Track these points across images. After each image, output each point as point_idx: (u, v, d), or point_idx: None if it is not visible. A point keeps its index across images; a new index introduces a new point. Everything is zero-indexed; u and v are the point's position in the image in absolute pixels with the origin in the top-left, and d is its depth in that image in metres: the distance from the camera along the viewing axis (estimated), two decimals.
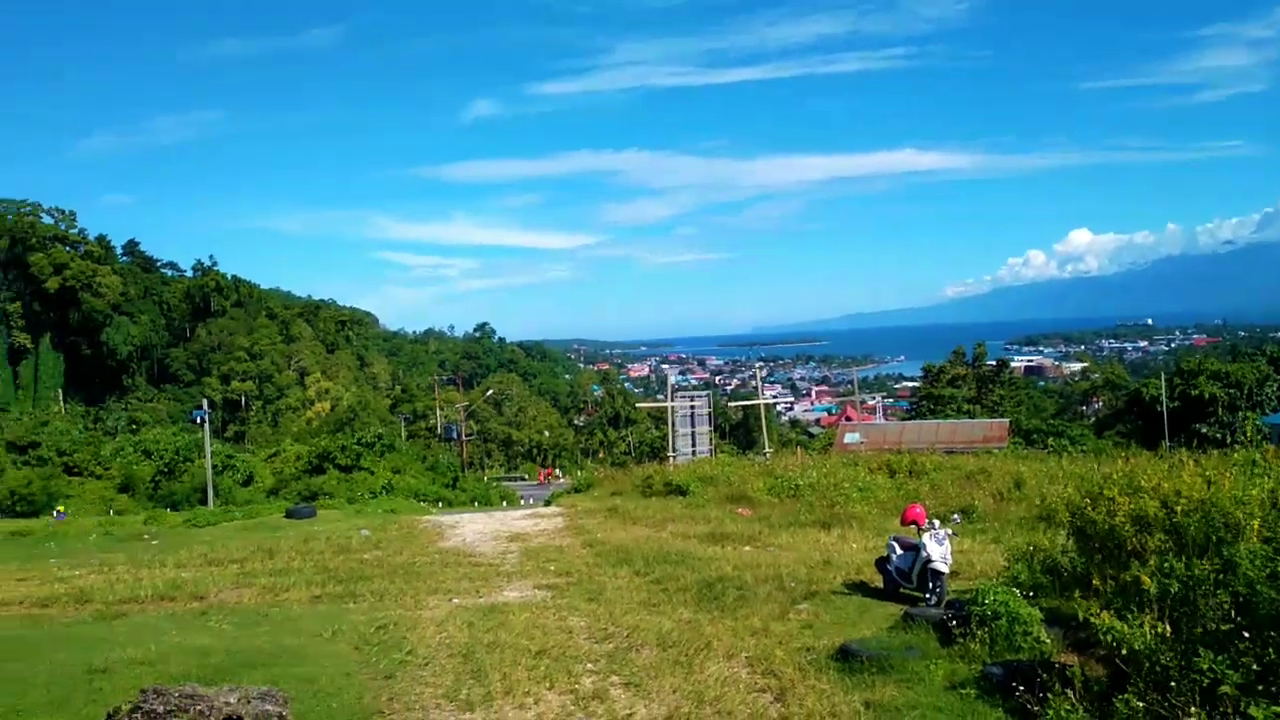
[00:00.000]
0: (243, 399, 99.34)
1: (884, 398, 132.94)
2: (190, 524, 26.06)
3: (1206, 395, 51.95)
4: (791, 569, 13.01)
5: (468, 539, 19.49)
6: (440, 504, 35.37)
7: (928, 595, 10.33)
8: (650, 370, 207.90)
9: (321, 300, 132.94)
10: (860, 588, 11.80)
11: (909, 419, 65.65)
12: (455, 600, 12.64)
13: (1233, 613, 5.70)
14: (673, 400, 42.93)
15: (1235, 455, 12.68)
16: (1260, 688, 5.03)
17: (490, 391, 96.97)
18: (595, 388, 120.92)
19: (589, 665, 8.86)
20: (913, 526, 11.11)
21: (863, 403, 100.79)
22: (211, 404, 60.69)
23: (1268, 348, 67.08)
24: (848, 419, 72.09)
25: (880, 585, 11.50)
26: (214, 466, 37.77)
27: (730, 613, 10.85)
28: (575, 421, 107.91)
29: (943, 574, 10.36)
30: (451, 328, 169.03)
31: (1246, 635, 5.40)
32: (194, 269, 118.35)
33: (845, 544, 15.79)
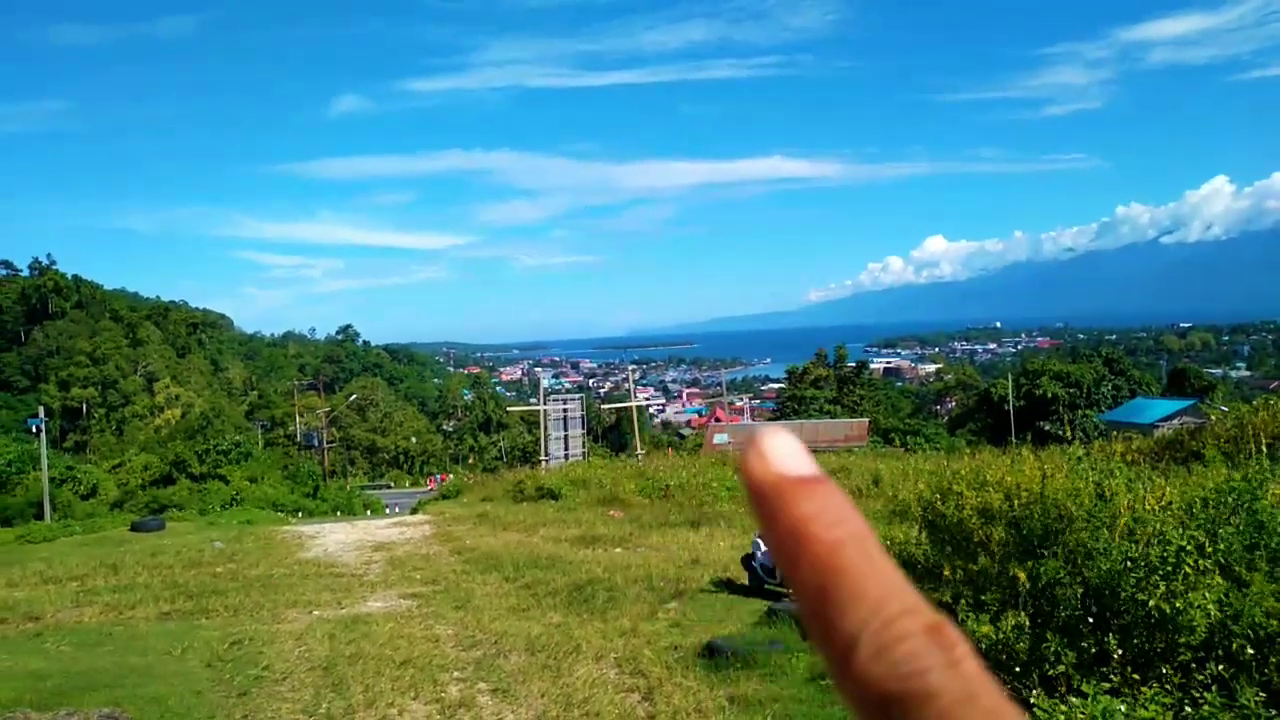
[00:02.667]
0: (84, 406, 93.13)
1: (751, 399, 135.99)
2: (25, 540, 24.22)
3: (1049, 394, 55.45)
4: (661, 569, 13.15)
5: (329, 549, 18.84)
6: (300, 514, 34.08)
7: (791, 590, 10.62)
8: (523, 374, 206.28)
9: (172, 302, 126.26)
10: (727, 585, 12.03)
11: (774, 419, 67.43)
12: (315, 612, 12.18)
13: (1084, 601, 6.07)
14: (545, 404, 42.75)
15: (1069, 450, 13.62)
16: (1095, 668, 5.38)
17: (354, 397, 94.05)
18: (466, 392, 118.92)
19: (455, 673, 8.70)
20: None
21: (731, 404, 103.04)
22: (49, 412, 56.67)
23: (1104, 349, 72.30)
24: (717, 420, 73.48)
25: (746, 582, 11.76)
26: (52, 478, 35.24)
27: (600, 615, 10.87)
28: (444, 427, 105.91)
29: None
30: (313, 330, 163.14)
31: (1090, 621, 5.76)
32: (30, 268, 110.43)
33: (714, 543, 16.07)
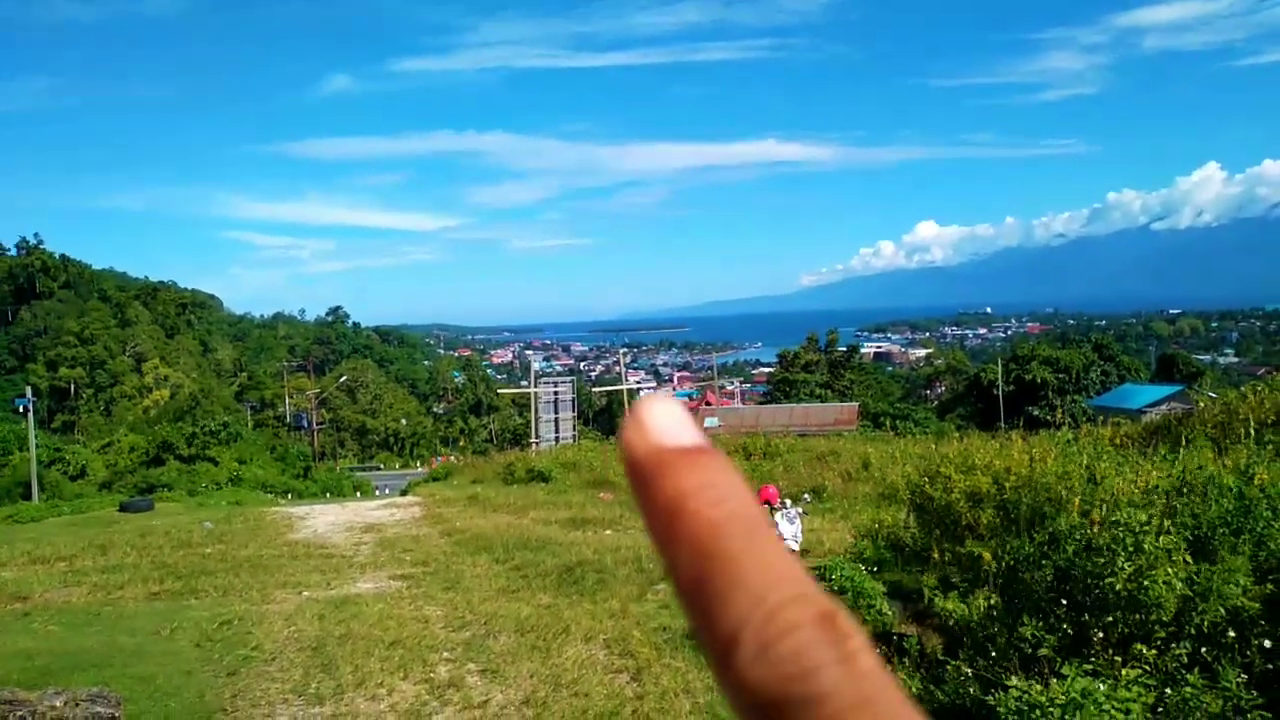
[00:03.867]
0: (72, 387, 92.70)
1: (742, 383, 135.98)
2: (12, 520, 24.17)
3: (1038, 380, 55.64)
4: (650, 551, 13.17)
5: (319, 530, 18.85)
6: (290, 495, 34.09)
7: None
8: (514, 356, 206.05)
9: (160, 282, 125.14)
10: None
11: (765, 403, 67.58)
12: (305, 593, 12.20)
13: (1056, 583, 6.13)
14: (536, 386, 42.71)
15: (1058, 435, 13.68)
16: (1074, 649, 5.44)
17: (343, 378, 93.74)
18: (456, 374, 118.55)
19: (445, 654, 8.74)
20: (766, 506, 11.46)
21: (722, 388, 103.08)
22: (37, 392, 56.36)
23: (1093, 335, 72.63)
24: (707, 404, 73.48)
25: None
26: (40, 459, 35.13)
27: (589, 596, 10.92)
28: (435, 409, 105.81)
29: (794, 551, 10.70)
30: (303, 311, 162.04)
31: (1065, 603, 5.81)
32: (17, 247, 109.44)
33: None
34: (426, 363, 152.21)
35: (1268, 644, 4.81)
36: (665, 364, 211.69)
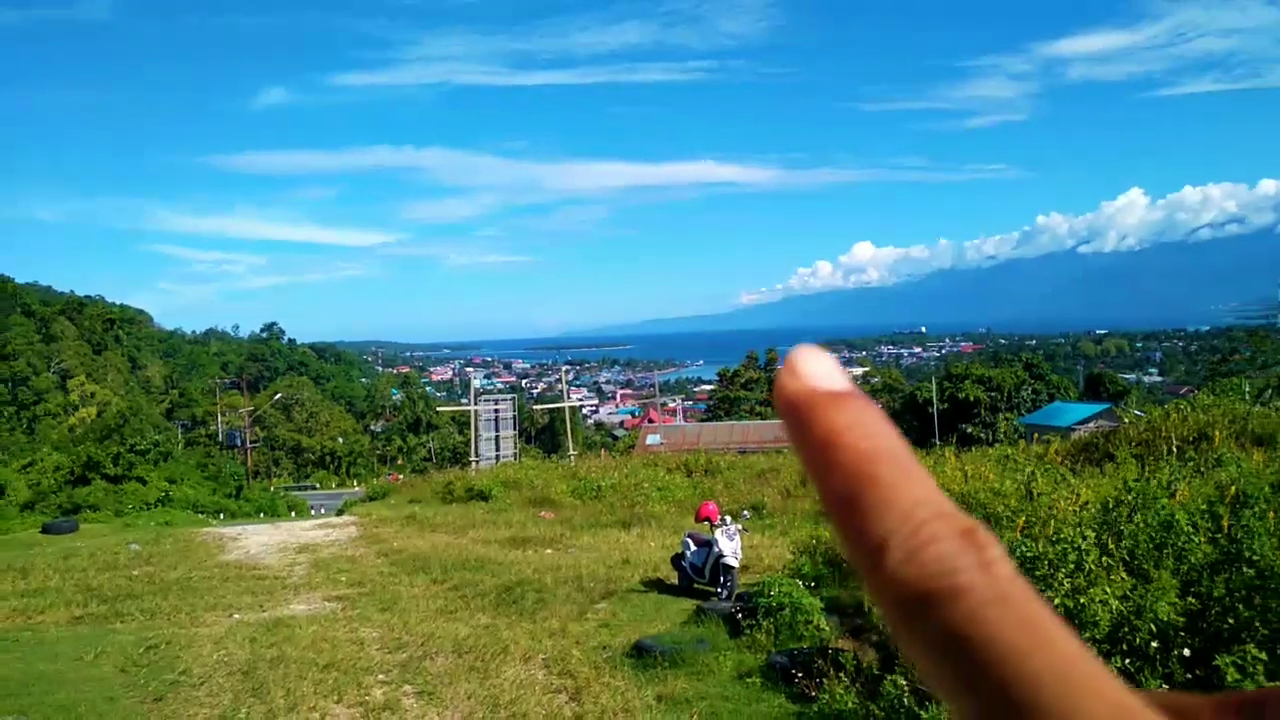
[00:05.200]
0: None
1: (684, 400, 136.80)
2: None
3: (971, 398, 56.78)
4: (591, 569, 13.13)
5: (251, 551, 18.38)
6: (222, 515, 33.19)
7: (719, 589, 10.71)
8: (454, 373, 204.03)
9: (87, 296, 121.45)
10: (657, 585, 12.07)
11: (707, 420, 67.88)
12: (236, 615, 11.87)
13: None
14: (476, 404, 42.23)
15: (990, 452, 14.00)
16: None
17: (278, 396, 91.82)
18: (394, 391, 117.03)
19: (380, 676, 8.56)
20: (706, 523, 11.49)
21: (664, 405, 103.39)
22: None
23: (1024, 354, 74.40)
24: (649, 421, 73.69)
25: (676, 582, 11.81)
26: None
27: (529, 616, 10.81)
28: (372, 427, 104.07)
29: (733, 568, 10.77)
30: (236, 327, 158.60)
31: None
32: None
33: (644, 543, 16.11)
34: (364, 380, 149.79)
35: (1187, 653, 4.96)
36: (608, 381, 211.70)
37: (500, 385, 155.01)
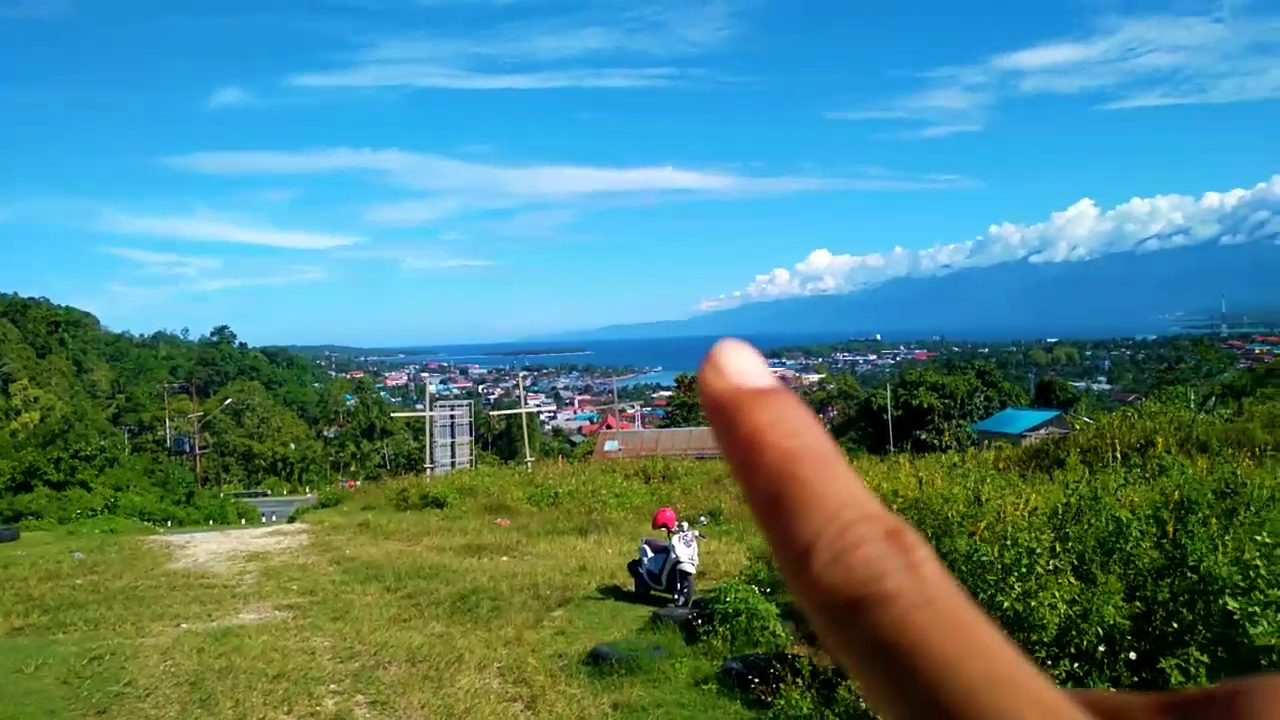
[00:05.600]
0: None
1: (642, 406, 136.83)
2: None
3: (925, 405, 57.58)
4: (548, 577, 13.07)
5: (200, 559, 18.02)
6: (170, 523, 32.52)
7: (676, 596, 10.71)
8: (409, 379, 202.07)
9: (31, 298, 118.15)
10: (614, 592, 12.04)
11: (665, 426, 68.00)
12: (184, 625, 11.62)
13: None
14: (432, 410, 41.86)
15: (943, 458, 14.18)
16: None
17: (229, 401, 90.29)
18: (348, 397, 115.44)
19: (332, 686, 8.43)
20: (664, 529, 11.49)
21: (622, 411, 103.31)
22: None
23: (976, 362, 75.68)
24: (608, 427, 73.52)
25: (633, 588, 11.79)
26: None
27: (484, 624, 10.72)
28: (325, 433, 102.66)
29: (690, 574, 10.77)
30: (186, 331, 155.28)
31: None
32: None
33: (601, 549, 16.07)
34: (317, 385, 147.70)
35: (1133, 656, 5.06)
36: (566, 387, 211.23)
37: (457, 391, 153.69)
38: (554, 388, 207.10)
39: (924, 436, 52.85)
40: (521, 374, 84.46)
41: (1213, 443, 13.72)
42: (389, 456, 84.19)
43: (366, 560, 16.30)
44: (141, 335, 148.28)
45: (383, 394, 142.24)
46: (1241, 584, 4.84)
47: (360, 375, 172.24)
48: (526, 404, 58.54)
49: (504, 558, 15.85)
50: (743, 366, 0.42)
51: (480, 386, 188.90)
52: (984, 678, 0.35)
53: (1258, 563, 4.92)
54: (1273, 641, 4.34)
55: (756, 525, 0.40)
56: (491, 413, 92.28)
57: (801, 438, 0.39)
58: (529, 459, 41.99)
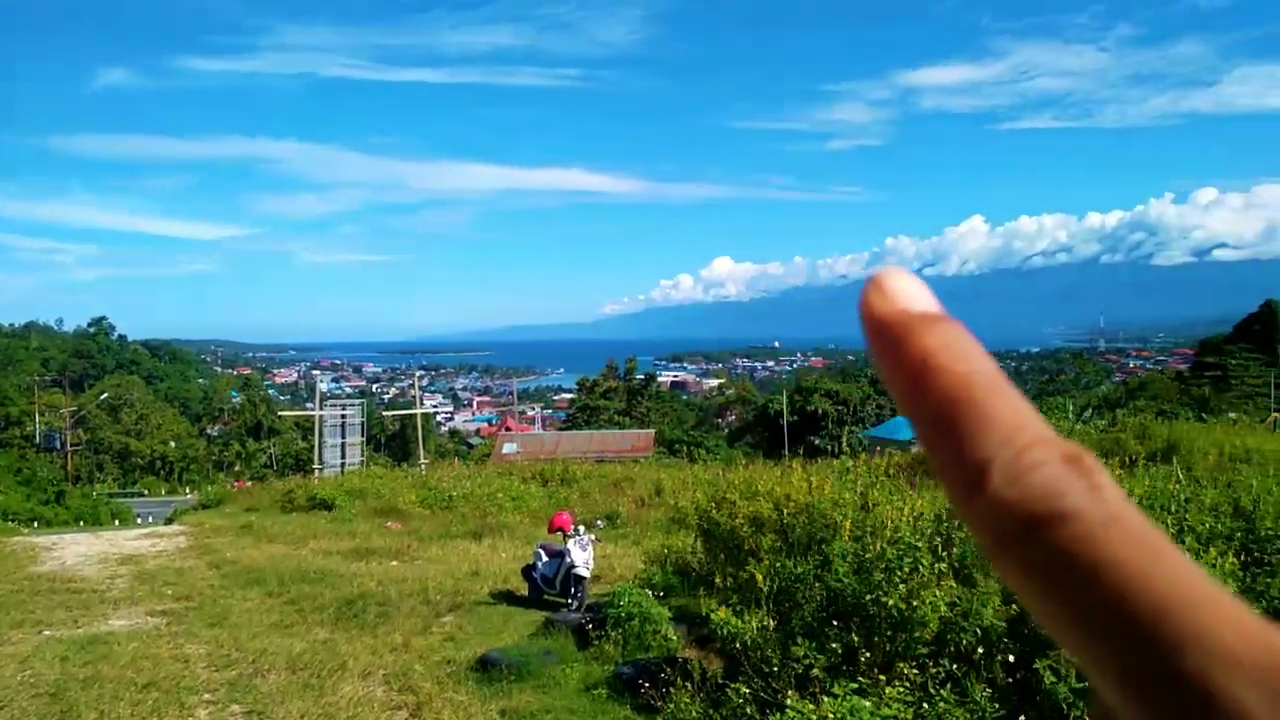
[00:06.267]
0: None
1: (543, 409, 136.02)
2: None
3: (820, 411, 58.94)
4: (439, 581, 12.81)
5: (68, 562, 17.03)
6: (37, 524, 30.70)
7: (570, 601, 10.63)
8: (300, 376, 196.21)
9: None
10: (507, 597, 11.88)
11: (566, 429, 67.77)
12: (46, 632, 10.93)
13: (827, 604, 6.40)
14: (322, 409, 40.61)
15: (835, 464, 14.48)
16: (844, 668, 5.69)
17: (104, 395, 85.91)
18: (234, 394, 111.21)
19: (206, 695, 8.04)
20: (559, 533, 11.39)
21: (522, 413, 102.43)
22: None
23: (869, 370, 77.93)
24: (507, 429, 72.76)
25: (526, 593, 11.66)
26: None
27: (370, 630, 10.43)
28: (209, 431, 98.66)
29: (584, 579, 10.70)
30: (60, 321, 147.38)
31: (836, 624, 6.08)
32: None
33: (496, 554, 15.85)
34: (201, 381, 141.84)
35: (1011, 659, 5.23)
36: (465, 388, 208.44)
37: (349, 390, 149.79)
38: (452, 388, 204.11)
39: (818, 442, 54.04)
40: (418, 373, 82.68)
41: (1090, 452, 14.37)
42: (276, 457, 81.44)
43: (248, 564, 15.70)
44: (11, 325, 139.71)
45: (271, 391, 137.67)
46: None
47: (248, 372, 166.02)
48: (422, 404, 57.39)
49: (394, 562, 15.49)
50: (909, 291, 0.42)
51: (374, 386, 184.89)
52: (1176, 593, 0.34)
53: None
54: None
55: (925, 448, 0.39)
56: (385, 413, 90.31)
57: (972, 362, 0.39)
58: (423, 461, 41.18)
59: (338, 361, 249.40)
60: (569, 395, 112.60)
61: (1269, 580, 5.65)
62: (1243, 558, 5.68)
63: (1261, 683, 0.33)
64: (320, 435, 38.92)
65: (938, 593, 5.36)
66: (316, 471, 36.84)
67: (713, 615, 6.60)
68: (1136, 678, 0.34)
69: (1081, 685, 4.61)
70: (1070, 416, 20.21)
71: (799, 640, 5.90)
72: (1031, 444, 0.36)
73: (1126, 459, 12.26)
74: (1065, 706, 4.57)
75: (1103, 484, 0.36)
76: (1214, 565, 5.28)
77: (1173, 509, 6.37)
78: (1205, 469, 12.96)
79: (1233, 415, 22.05)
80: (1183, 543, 5.73)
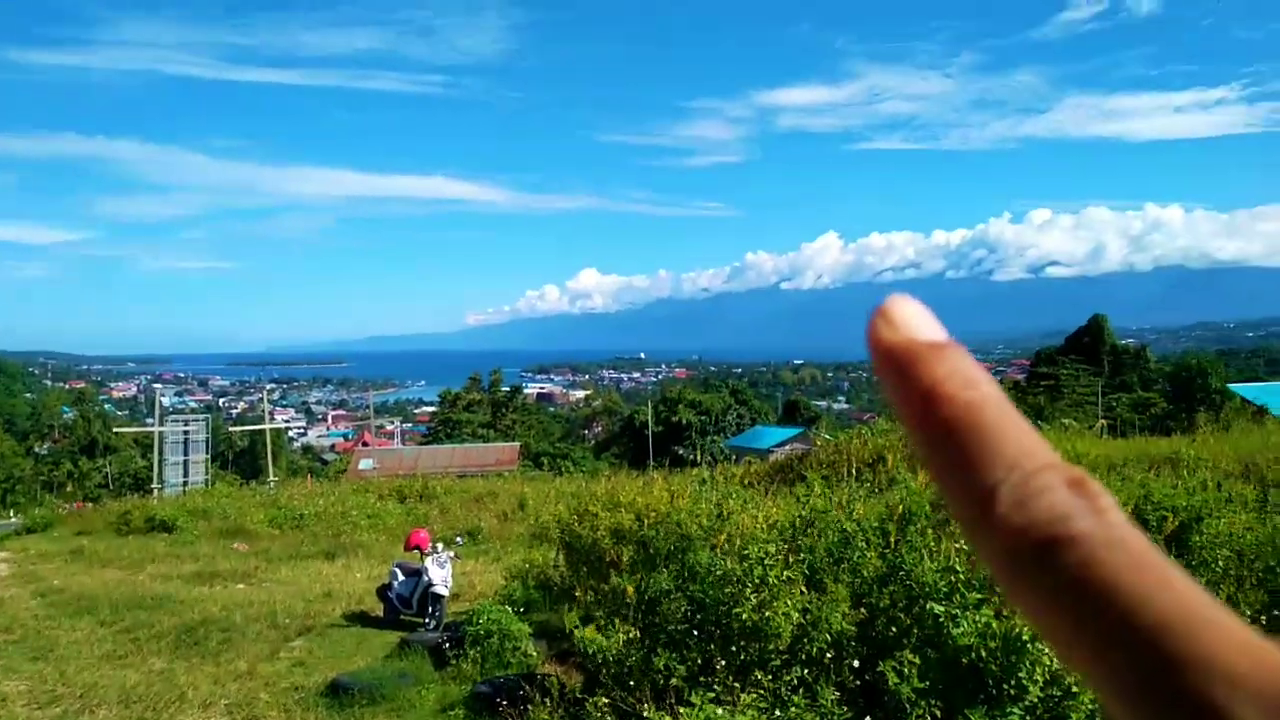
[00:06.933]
0: None
1: (403, 423, 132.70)
2: None
3: (684, 421, 59.79)
4: (288, 604, 12.24)
5: None
6: None
7: (427, 620, 10.34)
8: (140, 390, 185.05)
9: None
10: (361, 618, 11.46)
11: (426, 443, 66.26)
12: None
13: (689, 615, 6.43)
14: (163, 425, 38.30)
15: (695, 473, 14.68)
16: (702, 678, 5.72)
17: None
18: (66, 409, 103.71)
19: None
20: (416, 551, 11.08)
21: (380, 428, 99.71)
22: None
23: (731, 381, 79.72)
24: (364, 444, 70.58)
25: (382, 614, 11.28)
26: None
27: (213, 658, 9.86)
28: (37, 449, 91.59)
29: (443, 597, 10.44)
30: None
31: (696, 634, 6.11)
32: None
33: (350, 574, 15.29)
34: (29, 395, 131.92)
35: (857, 663, 5.38)
36: (319, 402, 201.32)
37: (194, 404, 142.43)
38: (305, 402, 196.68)
39: (682, 452, 54.75)
40: (269, 387, 79.25)
41: None
42: (112, 476, 76.34)
43: (78, 591, 14.58)
44: None
45: (108, 407, 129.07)
46: (946, 589, 5.27)
47: (82, 385, 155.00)
48: (273, 419, 54.97)
49: (240, 585, 14.71)
50: (916, 319, 0.43)
51: (222, 400, 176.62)
52: (1177, 614, 0.35)
53: (963, 568, 5.38)
54: (972, 641, 4.74)
55: (932, 474, 0.40)
56: (233, 429, 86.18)
57: (979, 389, 0.40)
58: (273, 479, 39.40)
59: (182, 375, 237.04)
60: (431, 408, 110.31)
61: None
62: None
63: (1260, 699, 0.35)
64: (161, 453, 36.66)
65: (790, 601, 5.46)
66: (157, 491, 34.68)
67: (576, 632, 6.53)
68: (1140, 695, 0.35)
69: (923, 685, 4.78)
70: None
71: (660, 651, 5.91)
72: (1038, 469, 0.37)
73: None
74: (908, 706, 4.73)
75: (1107, 507, 0.37)
76: None
77: None
78: None
79: (1066, 421, 23.60)
80: None
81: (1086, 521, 0.36)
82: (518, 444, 54.16)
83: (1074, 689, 4.54)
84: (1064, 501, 0.37)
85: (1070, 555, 0.36)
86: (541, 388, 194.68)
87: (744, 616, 5.39)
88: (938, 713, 4.76)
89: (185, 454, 36.26)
